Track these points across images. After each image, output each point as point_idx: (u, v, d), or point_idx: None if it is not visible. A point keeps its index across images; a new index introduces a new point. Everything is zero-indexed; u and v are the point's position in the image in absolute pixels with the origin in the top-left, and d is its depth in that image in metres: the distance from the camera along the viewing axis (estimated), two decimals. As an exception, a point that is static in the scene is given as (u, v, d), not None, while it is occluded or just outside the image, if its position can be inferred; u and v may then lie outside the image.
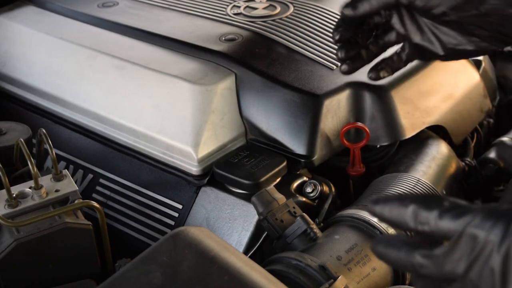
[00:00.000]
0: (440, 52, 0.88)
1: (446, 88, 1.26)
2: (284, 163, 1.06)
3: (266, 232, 0.96)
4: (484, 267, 0.53)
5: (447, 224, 0.55)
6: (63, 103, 1.27)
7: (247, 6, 1.35)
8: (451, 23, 0.85)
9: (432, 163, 1.11)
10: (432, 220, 0.56)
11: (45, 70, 1.30)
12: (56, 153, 1.02)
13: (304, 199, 1.05)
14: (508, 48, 1.78)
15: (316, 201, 1.06)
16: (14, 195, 0.96)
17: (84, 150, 1.23)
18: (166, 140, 1.11)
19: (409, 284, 0.94)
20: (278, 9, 1.32)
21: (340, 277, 0.81)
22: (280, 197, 0.95)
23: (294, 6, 1.34)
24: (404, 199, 0.57)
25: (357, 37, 0.90)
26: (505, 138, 1.27)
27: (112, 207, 1.16)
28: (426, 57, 0.91)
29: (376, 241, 0.60)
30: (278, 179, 1.06)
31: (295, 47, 1.21)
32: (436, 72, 1.23)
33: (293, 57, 1.19)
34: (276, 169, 1.05)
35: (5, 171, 0.96)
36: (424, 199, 0.57)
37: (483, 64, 1.43)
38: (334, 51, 1.21)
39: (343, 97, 1.12)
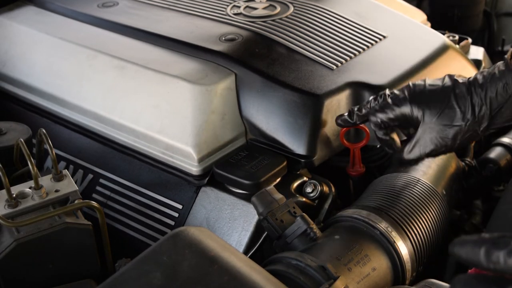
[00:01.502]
0: None
1: (446, 88, 1.25)
2: (284, 163, 1.06)
3: (266, 232, 0.96)
4: None
5: None
6: (63, 103, 1.27)
7: (247, 6, 1.35)
8: None
9: (432, 163, 1.11)
10: (501, 259, 0.59)
11: (45, 70, 1.30)
12: (56, 153, 1.01)
13: (304, 199, 1.05)
14: (508, 48, 1.79)
15: (316, 201, 1.06)
16: (14, 195, 0.96)
17: (84, 150, 1.23)
18: (166, 140, 1.11)
19: (410, 284, 0.94)
20: (278, 9, 1.32)
21: (340, 277, 0.81)
22: (280, 197, 0.95)
23: (294, 6, 1.34)
24: (477, 241, 0.61)
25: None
26: (505, 139, 1.27)
27: (112, 207, 1.16)
28: None
29: (455, 281, 0.63)
30: (278, 179, 1.06)
31: (295, 47, 1.21)
32: (436, 72, 1.23)
33: (293, 57, 1.19)
34: (276, 169, 1.05)
35: (5, 171, 0.95)
36: (494, 240, 0.60)
37: (483, 64, 1.43)
38: (334, 51, 1.21)
39: (343, 97, 1.12)
